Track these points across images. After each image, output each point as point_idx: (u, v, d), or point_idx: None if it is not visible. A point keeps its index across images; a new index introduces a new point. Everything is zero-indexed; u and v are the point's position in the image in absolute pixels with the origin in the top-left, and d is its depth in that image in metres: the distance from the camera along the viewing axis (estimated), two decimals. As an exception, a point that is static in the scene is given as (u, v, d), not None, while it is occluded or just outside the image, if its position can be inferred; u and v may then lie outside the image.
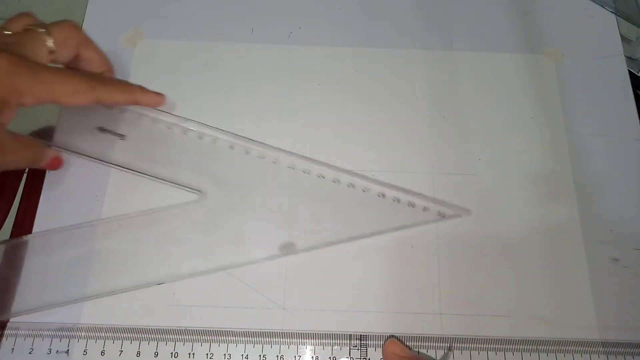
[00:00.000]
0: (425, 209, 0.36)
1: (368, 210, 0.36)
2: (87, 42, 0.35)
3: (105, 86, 0.34)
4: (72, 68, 0.36)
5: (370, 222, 0.36)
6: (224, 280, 0.34)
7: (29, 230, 0.36)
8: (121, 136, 0.37)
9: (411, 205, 0.36)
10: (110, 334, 0.33)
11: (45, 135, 0.38)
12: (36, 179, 0.37)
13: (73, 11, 0.43)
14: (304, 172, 0.37)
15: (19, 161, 0.33)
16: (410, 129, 0.40)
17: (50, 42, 0.32)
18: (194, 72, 0.41)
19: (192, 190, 0.36)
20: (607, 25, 0.44)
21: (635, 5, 0.45)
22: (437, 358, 0.31)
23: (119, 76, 0.40)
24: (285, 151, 0.37)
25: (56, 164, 0.36)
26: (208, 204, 0.36)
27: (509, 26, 0.44)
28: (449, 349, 0.32)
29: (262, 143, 0.37)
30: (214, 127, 0.38)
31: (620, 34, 0.43)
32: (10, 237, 0.36)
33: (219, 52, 0.42)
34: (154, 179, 0.37)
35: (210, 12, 0.43)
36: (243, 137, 0.38)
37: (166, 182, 0.36)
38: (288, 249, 0.35)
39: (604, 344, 0.33)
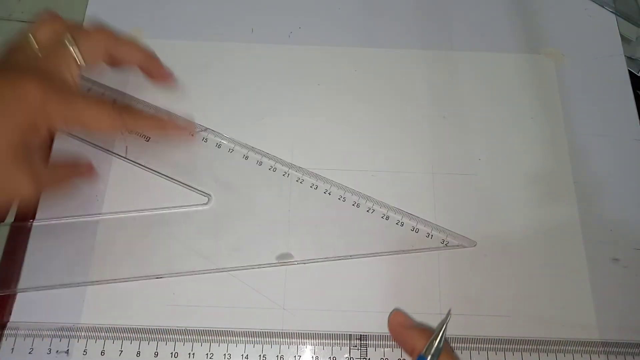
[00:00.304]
0: (428, 235, 0.36)
1: (370, 230, 0.36)
2: (117, 43, 0.34)
3: (135, 120, 0.34)
4: (110, 99, 0.36)
5: (370, 243, 0.35)
6: (224, 280, 0.34)
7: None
8: (147, 137, 0.38)
9: (414, 230, 0.36)
10: (110, 334, 0.33)
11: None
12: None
13: (73, 11, 0.43)
14: (311, 186, 0.37)
15: (58, 192, 0.33)
16: (410, 129, 0.40)
17: (79, 57, 0.31)
18: (194, 72, 0.41)
19: (201, 193, 0.37)
20: (607, 25, 0.44)
21: (635, 5, 0.45)
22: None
23: (118, 76, 0.40)
24: (295, 166, 0.37)
25: (91, 173, 0.36)
26: (214, 208, 0.36)
27: (509, 26, 0.44)
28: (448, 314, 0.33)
29: (274, 156, 0.38)
30: (231, 138, 0.38)
31: (620, 34, 0.43)
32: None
33: (219, 52, 0.42)
34: (168, 178, 0.37)
35: (210, 12, 0.44)
36: (258, 149, 0.38)
37: (178, 182, 0.37)
38: (285, 259, 0.35)
39: (604, 344, 0.33)
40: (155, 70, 0.37)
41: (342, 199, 0.36)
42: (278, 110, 0.40)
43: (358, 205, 0.36)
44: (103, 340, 0.33)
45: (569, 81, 0.41)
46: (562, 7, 0.44)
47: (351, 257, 0.35)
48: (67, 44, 0.31)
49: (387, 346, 0.33)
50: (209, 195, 0.37)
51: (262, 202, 0.37)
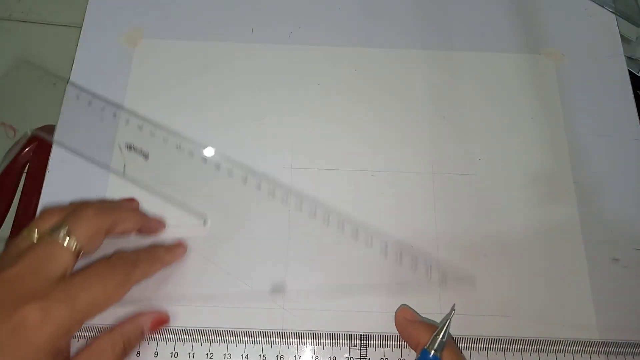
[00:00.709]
0: (427, 273, 0.34)
1: (367, 265, 0.35)
2: (115, 224, 0.32)
3: (138, 267, 0.31)
4: (106, 260, 0.31)
5: (367, 277, 0.34)
6: (224, 280, 0.34)
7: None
8: (145, 156, 0.37)
9: (413, 267, 0.35)
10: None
11: (46, 131, 0.38)
12: (36, 178, 0.37)
13: (73, 11, 0.44)
14: (309, 214, 0.36)
15: None
16: (410, 129, 0.40)
17: (73, 245, 0.29)
18: (194, 72, 0.41)
19: (197, 216, 0.36)
20: (607, 25, 0.44)
21: (635, 5, 0.45)
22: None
23: (117, 76, 0.40)
24: (294, 191, 0.37)
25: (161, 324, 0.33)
26: (209, 231, 0.36)
27: (509, 26, 0.44)
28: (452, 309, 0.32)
29: (274, 181, 0.37)
30: (231, 160, 0.37)
31: (620, 34, 0.43)
32: (10, 235, 0.36)
33: (219, 52, 0.42)
34: (165, 199, 0.36)
35: (210, 12, 0.44)
36: (258, 172, 0.37)
37: (175, 203, 0.36)
38: (279, 288, 0.34)
39: (604, 344, 0.33)
40: (149, 230, 0.35)
41: (341, 228, 0.35)
42: (278, 110, 0.40)
43: (357, 237, 0.35)
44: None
45: (569, 81, 0.41)
46: (562, 7, 0.44)
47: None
48: (60, 238, 0.29)
49: (387, 346, 0.33)
50: (205, 218, 0.36)
51: (258, 229, 0.36)
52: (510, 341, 0.33)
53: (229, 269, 0.35)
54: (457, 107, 0.40)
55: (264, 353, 0.33)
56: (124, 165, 0.37)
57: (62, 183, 0.37)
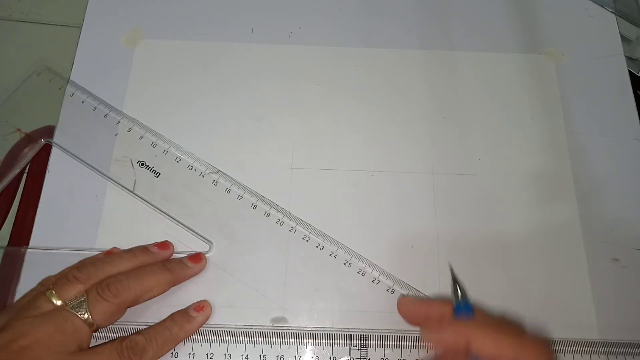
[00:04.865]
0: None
1: (372, 302, 0.34)
2: (140, 295, 0.31)
3: (147, 354, 0.30)
4: (118, 344, 0.29)
5: (372, 318, 0.34)
6: (224, 280, 0.34)
7: (29, 229, 0.35)
8: (157, 174, 0.37)
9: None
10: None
11: (45, 134, 0.38)
12: (36, 178, 0.37)
13: (73, 11, 0.44)
14: (317, 246, 0.35)
15: None
16: (410, 129, 0.40)
17: (92, 323, 0.29)
18: (194, 72, 0.41)
19: (203, 240, 0.35)
20: (607, 25, 0.44)
21: (635, 5, 0.45)
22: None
23: (117, 76, 0.40)
24: (304, 222, 0.36)
25: None
26: (214, 257, 0.35)
27: (509, 26, 0.44)
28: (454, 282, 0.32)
29: (283, 209, 0.36)
30: (242, 185, 0.37)
31: (620, 34, 0.43)
32: (11, 236, 0.36)
33: (219, 52, 0.42)
34: (172, 219, 0.36)
35: (210, 12, 0.44)
36: (268, 199, 0.36)
37: (181, 225, 0.36)
38: (280, 323, 0.33)
39: (604, 344, 0.33)
40: (183, 280, 0.34)
41: (347, 264, 0.35)
42: (278, 110, 0.40)
43: (363, 274, 0.35)
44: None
45: (569, 81, 0.41)
46: (562, 7, 0.44)
47: (348, 330, 0.33)
48: (81, 310, 0.29)
49: (387, 346, 0.33)
50: (211, 242, 0.35)
51: (263, 258, 0.35)
52: (510, 341, 0.33)
53: (228, 299, 0.34)
54: (457, 107, 0.40)
55: (264, 353, 0.33)
56: (134, 182, 0.37)
57: (62, 183, 0.37)
